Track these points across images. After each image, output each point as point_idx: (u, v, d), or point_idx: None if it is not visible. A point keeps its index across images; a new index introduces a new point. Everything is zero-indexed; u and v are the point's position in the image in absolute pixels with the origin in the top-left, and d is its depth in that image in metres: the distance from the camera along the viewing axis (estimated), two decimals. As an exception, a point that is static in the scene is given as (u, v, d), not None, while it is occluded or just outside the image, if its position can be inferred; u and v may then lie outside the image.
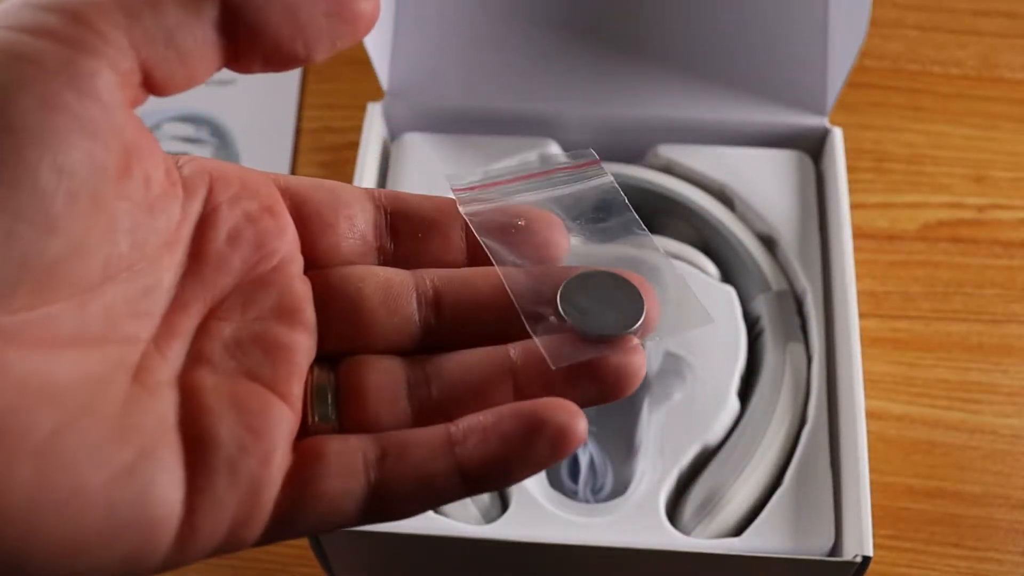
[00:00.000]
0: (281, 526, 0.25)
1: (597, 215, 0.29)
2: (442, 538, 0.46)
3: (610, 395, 0.27)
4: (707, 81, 0.60)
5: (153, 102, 0.25)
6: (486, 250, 0.28)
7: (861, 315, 0.57)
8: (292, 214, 0.28)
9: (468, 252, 0.29)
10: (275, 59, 0.25)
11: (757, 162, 0.58)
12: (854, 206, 0.62)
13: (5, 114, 0.21)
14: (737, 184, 0.58)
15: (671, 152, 0.59)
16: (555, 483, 0.52)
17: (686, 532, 0.48)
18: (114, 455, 0.23)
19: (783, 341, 0.52)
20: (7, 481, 0.21)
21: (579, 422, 0.25)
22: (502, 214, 0.29)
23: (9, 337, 0.22)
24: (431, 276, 0.28)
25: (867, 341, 0.59)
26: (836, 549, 0.47)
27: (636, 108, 0.59)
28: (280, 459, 0.25)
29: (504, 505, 0.49)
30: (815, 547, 0.47)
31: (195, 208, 0.26)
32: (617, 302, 0.27)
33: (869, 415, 0.56)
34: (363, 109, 0.59)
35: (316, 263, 0.28)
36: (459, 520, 0.48)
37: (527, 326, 0.27)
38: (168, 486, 0.23)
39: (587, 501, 0.51)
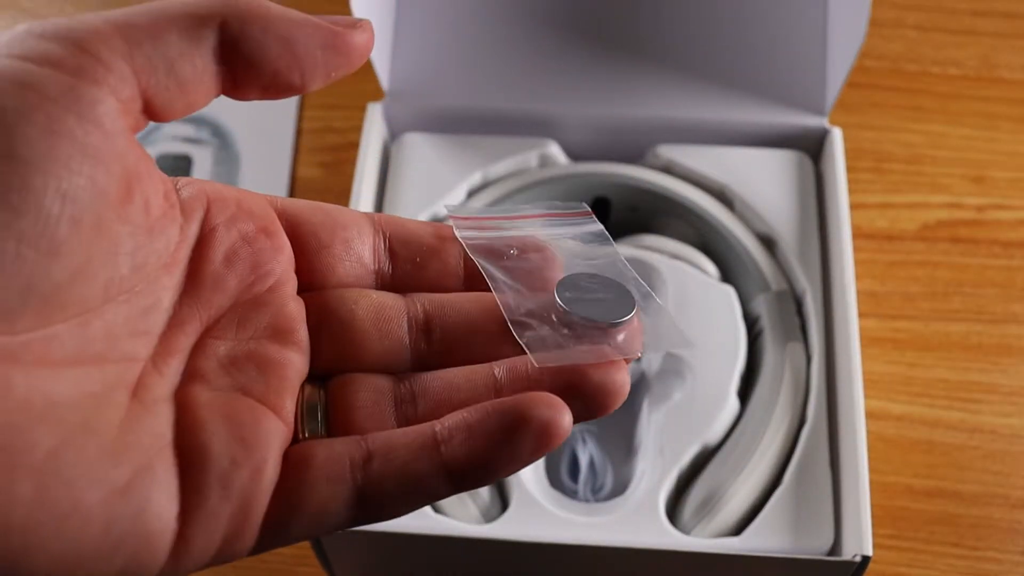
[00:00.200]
0: (273, 534, 0.26)
1: (586, 256, 0.31)
2: (442, 538, 0.46)
3: (594, 411, 0.26)
4: (707, 81, 0.60)
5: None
6: (480, 269, 0.29)
7: (861, 315, 0.57)
8: (289, 235, 0.29)
9: (465, 277, 0.30)
10: (272, 88, 0.26)
11: (757, 162, 0.58)
12: (854, 206, 0.62)
13: (10, 141, 0.22)
14: (737, 184, 0.58)
15: (671, 152, 0.59)
16: (555, 483, 0.52)
17: (686, 532, 0.48)
18: (112, 472, 0.23)
19: (783, 341, 0.53)
20: (9, 496, 0.21)
21: (564, 416, 0.25)
22: (497, 241, 0.29)
23: (14, 357, 0.22)
24: (423, 301, 0.29)
25: (867, 341, 0.59)
26: (835, 548, 0.47)
27: (636, 108, 0.59)
28: (271, 470, 0.25)
29: (504, 505, 0.49)
30: (814, 547, 0.47)
31: (193, 230, 0.27)
32: (609, 298, 0.28)
33: (868, 415, 0.56)
34: (363, 109, 0.59)
35: (312, 284, 0.29)
36: (459, 520, 0.48)
37: (513, 331, 0.27)
38: (163, 502, 0.24)
39: (587, 501, 0.51)
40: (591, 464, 0.53)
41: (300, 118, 0.70)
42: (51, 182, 0.22)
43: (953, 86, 0.70)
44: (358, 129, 0.58)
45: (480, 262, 0.29)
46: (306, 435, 0.27)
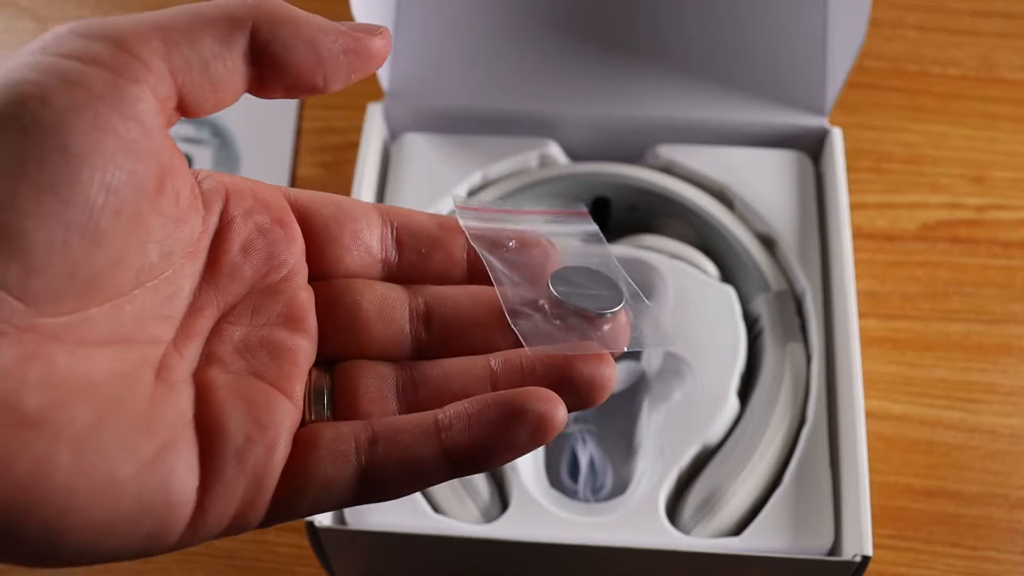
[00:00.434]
0: (282, 509, 0.27)
1: (581, 253, 0.32)
2: (442, 538, 0.46)
3: (583, 403, 0.28)
4: (707, 81, 0.60)
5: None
6: (482, 258, 0.30)
7: (861, 315, 0.57)
8: (300, 226, 0.30)
9: (468, 268, 0.31)
10: (296, 88, 0.27)
11: (757, 162, 0.58)
12: (853, 206, 0.62)
13: (62, 135, 0.23)
14: (737, 184, 0.58)
15: (671, 152, 0.59)
16: (555, 483, 0.52)
17: (686, 532, 0.48)
18: (142, 446, 0.25)
19: (783, 341, 0.53)
20: (51, 465, 0.23)
21: (559, 410, 0.27)
22: (499, 232, 0.31)
23: (56, 336, 0.24)
24: (424, 294, 0.30)
25: (866, 341, 0.59)
26: (835, 548, 0.48)
27: (636, 108, 0.60)
28: (283, 448, 0.27)
29: (504, 505, 0.49)
30: (814, 547, 0.47)
31: (213, 221, 0.28)
32: (599, 292, 0.30)
33: (868, 415, 0.56)
34: (363, 109, 0.59)
35: (321, 273, 0.30)
36: (459, 520, 0.48)
37: (508, 319, 0.29)
38: (185, 474, 0.25)
39: (587, 501, 0.51)
40: (591, 464, 0.53)
41: (300, 118, 0.70)
42: (97, 175, 0.24)
43: (953, 86, 0.70)
44: (358, 129, 0.58)
45: (481, 251, 0.30)
46: (313, 417, 0.28)
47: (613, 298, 0.30)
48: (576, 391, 0.28)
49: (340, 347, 0.30)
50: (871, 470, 0.48)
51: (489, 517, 0.49)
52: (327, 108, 0.70)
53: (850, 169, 0.64)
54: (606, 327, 0.29)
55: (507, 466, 0.49)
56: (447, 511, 0.48)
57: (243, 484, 0.26)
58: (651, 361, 0.54)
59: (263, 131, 0.69)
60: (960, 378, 0.59)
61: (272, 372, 0.28)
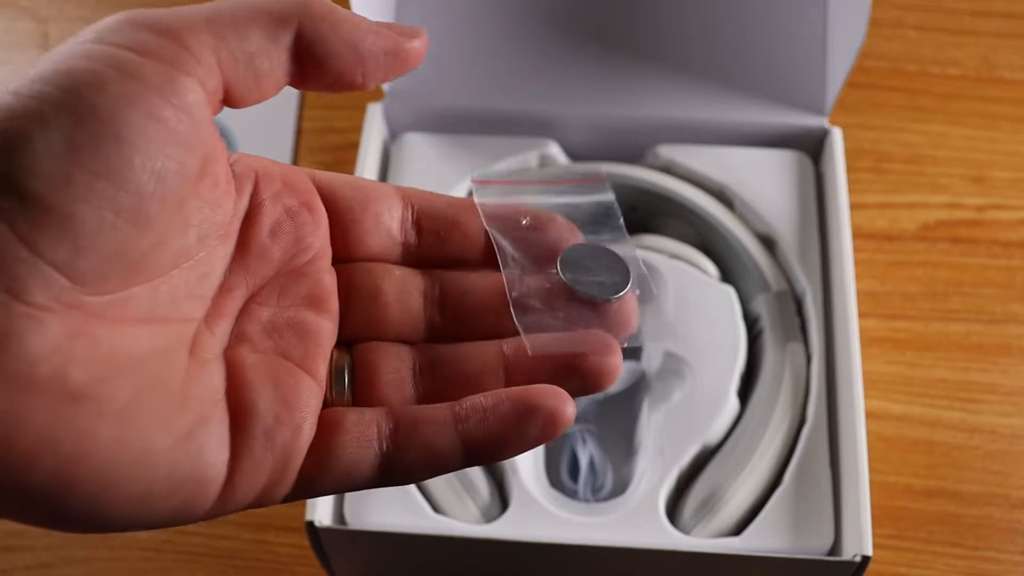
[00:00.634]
0: (304, 487, 0.28)
1: (594, 227, 0.33)
2: (442, 538, 0.46)
3: (590, 389, 0.29)
4: (707, 81, 0.60)
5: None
6: (492, 240, 0.31)
7: (860, 315, 0.57)
8: (325, 208, 0.31)
9: (485, 248, 0.32)
10: (334, 85, 0.28)
11: (757, 162, 0.58)
12: (853, 206, 0.62)
13: (117, 124, 0.24)
14: (737, 184, 0.58)
15: (671, 152, 0.59)
16: (555, 483, 0.52)
17: (686, 532, 0.48)
18: (177, 421, 0.26)
19: (783, 341, 0.53)
20: (92, 441, 0.24)
21: (568, 407, 0.28)
22: (512, 209, 0.32)
23: (100, 315, 0.25)
24: (440, 279, 0.32)
25: (866, 341, 0.59)
26: (835, 548, 0.48)
27: (636, 108, 0.60)
28: (309, 429, 0.28)
29: (504, 504, 0.49)
30: (814, 547, 0.47)
31: (244, 203, 0.29)
32: (608, 275, 0.31)
33: (868, 415, 0.56)
34: (363, 109, 0.59)
35: (343, 254, 0.31)
36: (459, 520, 0.48)
37: (513, 316, 0.30)
38: (217, 450, 0.26)
39: (587, 501, 0.51)
40: (591, 464, 0.53)
41: (300, 118, 0.70)
42: (148, 163, 0.25)
43: (953, 86, 0.70)
44: (358, 129, 0.58)
45: (492, 232, 0.31)
46: (333, 395, 0.30)
47: (619, 283, 0.30)
48: (583, 378, 0.29)
49: (359, 329, 0.31)
50: (871, 470, 0.48)
51: (489, 517, 0.49)
52: (327, 108, 0.70)
53: (850, 169, 0.64)
54: (612, 315, 0.30)
55: (507, 466, 0.49)
56: (447, 511, 0.48)
57: (271, 462, 0.27)
58: (651, 361, 0.54)
59: (263, 131, 0.69)
60: (960, 378, 0.59)
61: (298, 352, 0.29)
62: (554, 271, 0.31)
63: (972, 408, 0.58)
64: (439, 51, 0.60)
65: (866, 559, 0.45)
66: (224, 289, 0.29)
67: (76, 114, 0.24)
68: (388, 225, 0.32)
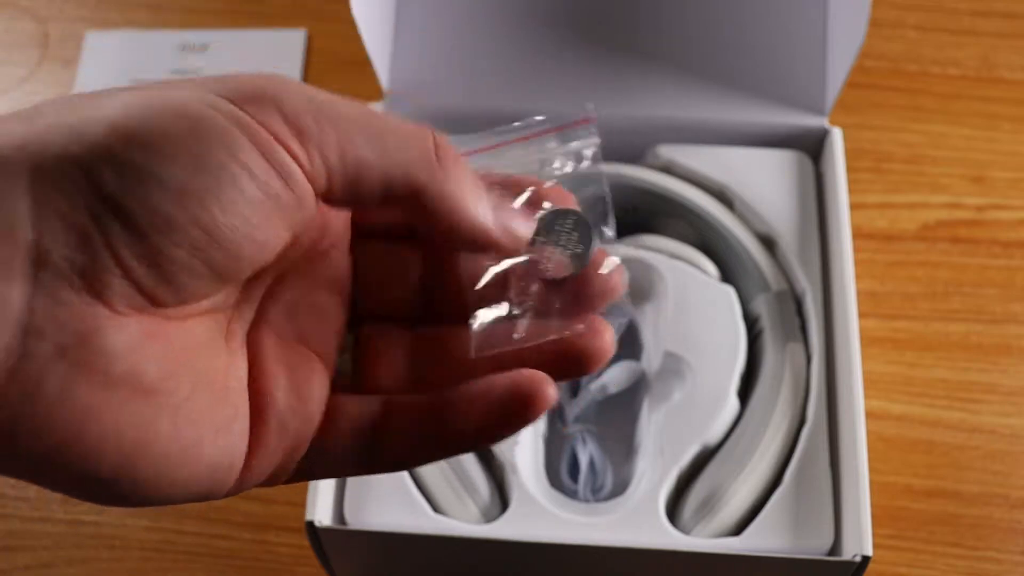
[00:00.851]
0: (302, 472, 0.29)
1: (575, 184, 0.31)
2: (442, 538, 0.46)
3: (581, 372, 0.30)
4: (707, 81, 0.60)
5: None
6: None
7: (861, 315, 0.57)
8: None
9: None
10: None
11: (757, 162, 0.58)
12: (853, 206, 0.62)
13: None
14: (737, 184, 0.58)
15: (671, 152, 0.59)
16: (555, 483, 0.52)
17: (686, 532, 0.48)
18: (219, 413, 0.27)
19: (783, 341, 0.53)
20: (152, 434, 0.25)
21: (550, 389, 0.28)
22: (485, 178, 0.31)
23: (171, 316, 0.26)
24: (434, 260, 0.32)
25: (866, 341, 0.59)
26: (835, 548, 0.48)
27: (636, 108, 0.59)
28: (317, 420, 0.29)
29: (504, 505, 0.49)
30: (814, 547, 0.47)
31: None
32: (577, 244, 0.30)
33: (868, 415, 0.56)
34: (363, 109, 0.59)
35: (352, 233, 0.32)
36: (459, 520, 0.48)
37: (469, 311, 0.30)
38: (241, 440, 0.28)
39: (587, 501, 0.51)
40: (591, 464, 0.53)
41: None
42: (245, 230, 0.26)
43: (953, 86, 0.70)
44: (358, 129, 0.58)
45: None
46: (336, 375, 0.30)
47: (582, 258, 0.29)
48: (573, 359, 0.29)
49: (364, 309, 0.31)
50: (871, 470, 0.48)
51: (489, 517, 0.49)
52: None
53: (850, 169, 0.64)
54: (592, 285, 0.29)
55: (507, 466, 0.49)
56: (447, 511, 0.48)
57: (282, 451, 0.28)
58: (651, 361, 0.54)
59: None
60: (960, 378, 0.59)
61: (315, 336, 0.30)
62: (525, 247, 0.30)
63: (972, 408, 0.58)
64: (439, 51, 0.60)
65: (866, 559, 0.45)
66: (256, 275, 0.29)
67: (199, 163, 0.24)
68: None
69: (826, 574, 0.46)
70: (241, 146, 0.25)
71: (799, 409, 0.51)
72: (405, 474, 0.49)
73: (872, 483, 0.48)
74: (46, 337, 0.24)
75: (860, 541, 0.45)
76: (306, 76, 0.71)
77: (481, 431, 0.29)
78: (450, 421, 0.29)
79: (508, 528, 0.48)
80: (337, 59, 0.73)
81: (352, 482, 0.49)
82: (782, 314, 0.53)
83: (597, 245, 0.30)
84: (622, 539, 0.47)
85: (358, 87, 0.60)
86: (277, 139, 0.25)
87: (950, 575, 0.54)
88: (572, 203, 0.31)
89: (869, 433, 0.52)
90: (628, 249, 0.56)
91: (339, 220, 0.31)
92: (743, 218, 0.57)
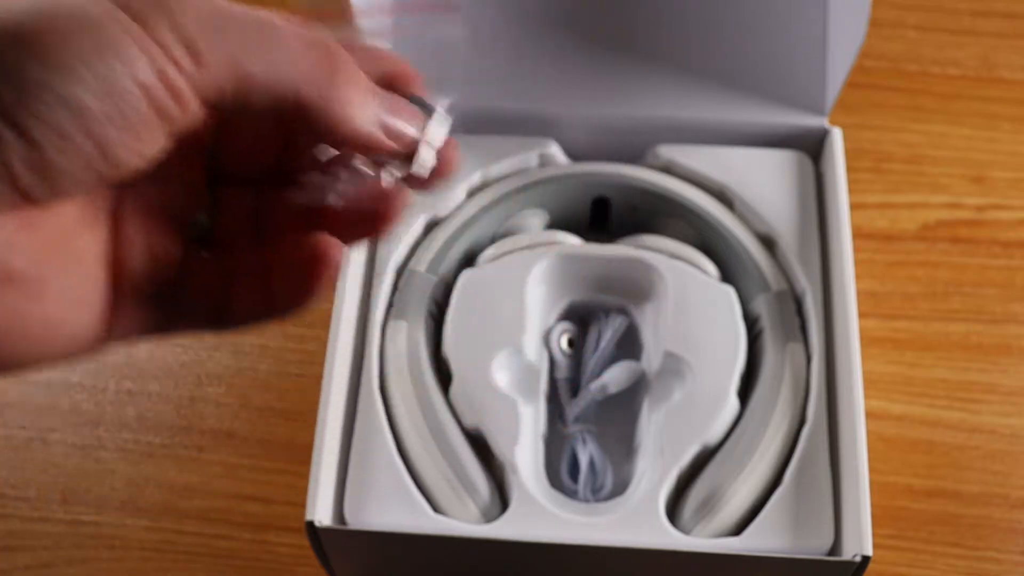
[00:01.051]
0: (159, 331, 0.31)
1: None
2: (442, 538, 0.46)
3: (372, 232, 0.32)
4: (707, 81, 0.60)
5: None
6: None
7: (860, 315, 0.57)
8: None
9: None
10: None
11: (757, 162, 0.58)
12: (853, 206, 0.62)
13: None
14: (737, 184, 0.58)
15: (671, 152, 0.59)
16: (555, 483, 0.52)
17: (686, 532, 0.48)
18: (83, 289, 0.29)
19: (783, 341, 0.53)
20: (20, 318, 0.27)
21: (336, 252, 0.31)
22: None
23: (44, 205, 0.26)
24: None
25: (866, 341, 0.59)
26: (835, 548, 0.48)
27: (636, 108, 0.59)
28: (169, 277, 0.31)
29: (504, 505, 0.49)
30: (814, 547, 0.47)
31: None
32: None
33: (868, 415, 0.56)
34: (363, 109, 0.59)
35: None
36: (459, 520, 0.48)
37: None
38: (104, 308, 0.29)
39: (587, 501, 0.51)
40: (591, 464, 0.53)
41: (300, 118, 0.70)
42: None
43: (953, 86, 0.70)
44: (358, 129, 0.58)
45: None
46: (198, 226, 0.32)
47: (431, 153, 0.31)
48: (371, 220, 0.32)
49: (223, 171, 0.32)
50: (871, 470, 0.48)
51: (489, 517, 0.49)
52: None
53: (850, 169, 0.64)
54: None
55: (507, 466, 0.49)
56: (447, 511, 0.48)
57: (140, 319, 0.30)
58: (651, 361, 0.54)
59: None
60: (960, 378, 0.59)
61: (174, 198, 0.31)
62: None
63: (972, 408, 0.58)
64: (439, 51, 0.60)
65: (866, 559, 0.45)
66: None
67: (100, 83, 0.25)
68: None
69: (826, 574, 0.46)
70: (136, 62, 0.25)
71: (799, 409, 0.51)
72: (405, 474, 0.49)
73: (872, 483, 0.48)
74: None
75: (860, 541, 0.45)
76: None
77: (297, 292, 0.31)
78: (273, 281, 0.31)
79: (508, 528, 0.48)
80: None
81: (352, 482, 0.49)
82: (782, 314, 0.53)
83: (445, 134, 0.32)
84: (622, 539, 0.47)
85: (358, 87, 0.60)
86: (167, 53, 0.26)
87: (950, 575, 0.54)
88: (419, 83, 0.33)
89: (869, 433, 0.52)
90: (628, 249, 0.56)
91: None
92: (743, 218, 0.57)
